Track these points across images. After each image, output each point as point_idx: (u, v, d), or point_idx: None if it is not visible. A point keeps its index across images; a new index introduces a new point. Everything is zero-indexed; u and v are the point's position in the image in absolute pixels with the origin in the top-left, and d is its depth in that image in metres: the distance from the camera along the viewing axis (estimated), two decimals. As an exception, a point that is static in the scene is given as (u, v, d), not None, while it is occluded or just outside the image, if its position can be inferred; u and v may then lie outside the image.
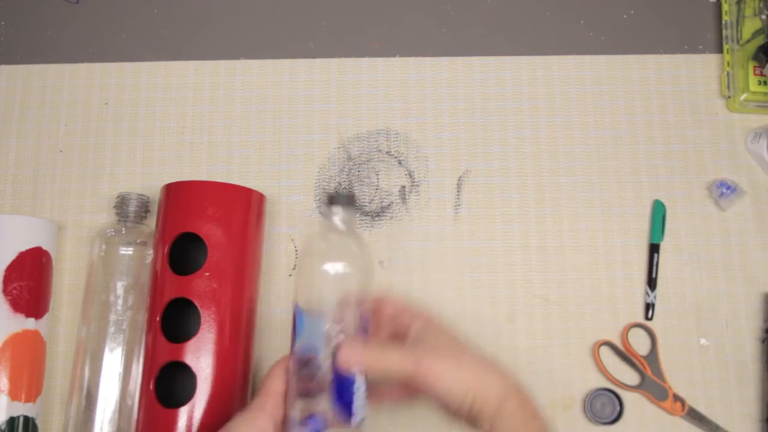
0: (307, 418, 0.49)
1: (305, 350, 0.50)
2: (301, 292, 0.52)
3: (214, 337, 0.57)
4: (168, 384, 0.57)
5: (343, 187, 0.58)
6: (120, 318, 0.61)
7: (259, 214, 0.63)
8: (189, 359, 0.56)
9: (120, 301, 0.61)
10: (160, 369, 0.57)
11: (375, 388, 0.52)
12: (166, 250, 0.59)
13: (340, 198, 0.51)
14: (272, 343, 0.65)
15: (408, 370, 0.48)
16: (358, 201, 0.56)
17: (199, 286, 0.58)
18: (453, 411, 0.49)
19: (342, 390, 0.49)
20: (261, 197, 0.64)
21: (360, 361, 0.49)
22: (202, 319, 0.57)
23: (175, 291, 0.58)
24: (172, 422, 0.56)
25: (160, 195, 0.62)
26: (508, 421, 0.48)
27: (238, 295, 0.59)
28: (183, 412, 0.56)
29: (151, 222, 0.65)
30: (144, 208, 0.64)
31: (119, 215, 0.63)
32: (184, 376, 0.56)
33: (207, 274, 0.58)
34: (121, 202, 0.63)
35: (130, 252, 0.62)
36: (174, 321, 0.58)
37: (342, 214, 0.51)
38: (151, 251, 0.62)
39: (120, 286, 0.62)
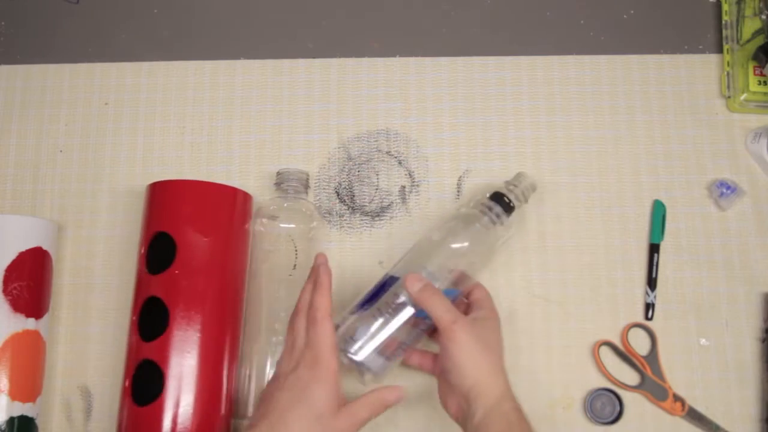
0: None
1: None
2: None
3: (184, 334, 0.57)
4: (143, 382, 0.58)
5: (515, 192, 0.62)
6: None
7: (244, 214, 0.63)
8: (158, 357, 0.57)
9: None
10: (135, 367, 0.58)
11: (408, 348, 0.59)
12: (143, 249, 0.60)
13: (501, 201, 0.61)
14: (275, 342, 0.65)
15: (442, 323, 0.54)
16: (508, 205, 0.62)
17: (168, 285, 0.58)
18: (452, 385, 0.55)
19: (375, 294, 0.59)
20: (245, 197, 0.64)
21: (416, 288, 0.55)
22: (171, 317, 0.57)
23: (148, 290, 0.59)
24: (141, 420, 0.57)
25: (145, 194, 0.63)
26: (501, 418, 0.52)
27: (214, 293, 0.59)
28: (151, 409, 0.56)
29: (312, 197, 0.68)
30: (303, 183, 0.65)
31: (280, 190, 0.65)
32: (159, 374, 0.57)
33: (176, 272, 0.58)
34: (282, 179, 0.65)
35: (292, 226, 0.64)
36: (149, 320, 0.59)
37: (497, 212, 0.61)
38: (314, 224, 0.65)
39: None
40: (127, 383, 0.58)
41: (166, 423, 0.56)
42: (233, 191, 0.62)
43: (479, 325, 0.57)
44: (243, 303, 0.63)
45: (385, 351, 0.57)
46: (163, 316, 0.57)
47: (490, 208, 0.61)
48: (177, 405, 0.56)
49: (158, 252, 0.59)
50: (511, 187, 0.62)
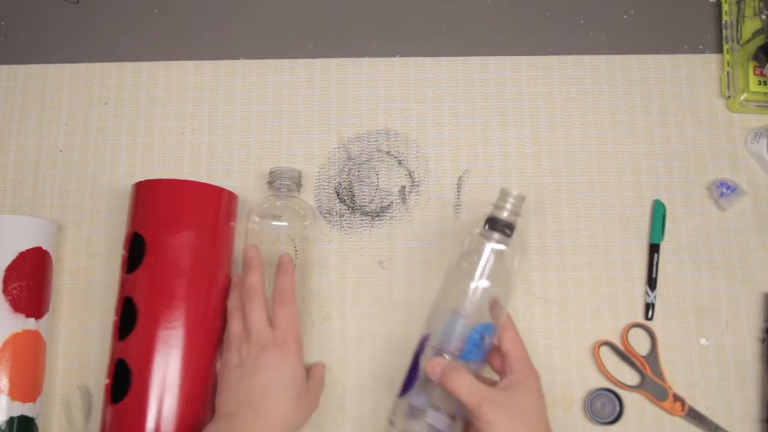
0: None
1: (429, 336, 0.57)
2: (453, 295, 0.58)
3: (152, 333, 0.57)
4: (116, 381, 0.58)
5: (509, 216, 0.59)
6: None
7: (225, 212, 0.63)
8: (127, 355, 0.57)
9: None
10: (114, 366, 0.58)
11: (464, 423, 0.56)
12: (124, 251, 0.61)
13: (499, 227, 0.58)
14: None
15: (470, 407, 0.51)
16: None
17: (137, 284, 0.59)
18: None
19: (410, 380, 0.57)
20: (231, 196, 0.63)
21: (437, 373, 0.53)
22: (139, 316, 0.58)
23: (125, 290, 0.59)
24: (114, 417, 0.57)
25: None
26: None
27: (185, 292, 0.59)
28: (120, 407, 0.57)
29: (305, 195, 0.68)
30: (296, 181, 0.65)
31: (272, 189, 0.65)
32: (128, 373, 0.57)
33: (144, 271, 0.58)
34: (274, 177, 0.65)
35: (285, 224, 0.64)
36: (124, 319, 0.59)
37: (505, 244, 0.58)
38: (308, 222, 0.65)
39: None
40: (107, 382, 0.59)
41: (134, 421, 0.56)
42: (212, 189, 0.62)
43: (512, 394, 0.53)
44: (224, 302, 0.62)
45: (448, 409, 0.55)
46: (135, 316, 0.58)
47: (491, 238, 0.58)
48: (144, 403, 0.56)
49: (133, 253, 0.60)
50: (502, 207, 0.58)
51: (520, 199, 0.58)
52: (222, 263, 0.62)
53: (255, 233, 0.64)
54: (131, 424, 0.56)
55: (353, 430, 0.63)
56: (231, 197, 0.64)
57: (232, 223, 0.64)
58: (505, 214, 0.58)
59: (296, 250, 0.66)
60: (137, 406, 0.56)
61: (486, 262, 0.57)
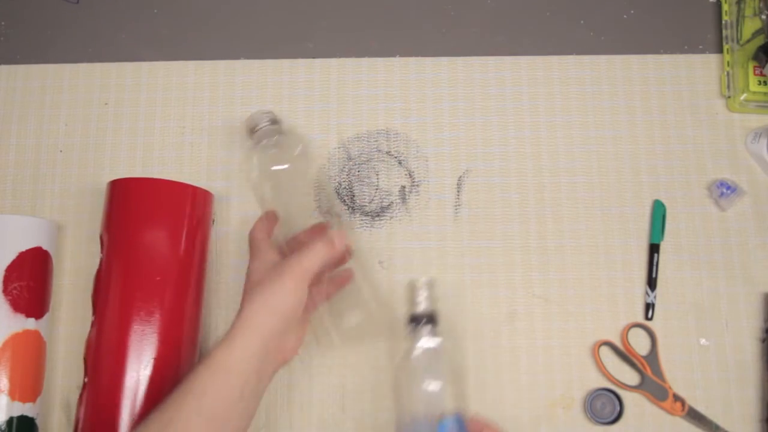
0: None
1: None
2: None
3: (105, 330, 0.58)
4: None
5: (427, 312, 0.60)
6: None
7: (203, 212, 0.63)
8: (86, 352, 0.59)
9: None
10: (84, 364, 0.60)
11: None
12: (101, 252, 0.62)
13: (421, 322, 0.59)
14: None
15: None
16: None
17: (95, 284, 0.61)
18: None
19: None
20: (205, 194, 0.63)
21: None
22: (96, 313, 0.59)
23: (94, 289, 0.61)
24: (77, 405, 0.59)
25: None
26: None
27: (143, 292, 0.59)
28: (80, 399, 0.58)
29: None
30: (272, 119, 0.64)
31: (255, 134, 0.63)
32: (86, 367, 0.59)
33: (101, 270, 0.60)
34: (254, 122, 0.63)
35: (286, 167, 0.63)
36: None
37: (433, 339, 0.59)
38: (300, 147, 0.64)
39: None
40: (85, 380, 0.60)
41: (81, 413, 0.58)
42: (181, 188, 0.62)
43: None
44: (192, 297, 0.61)
45: None
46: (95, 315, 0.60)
47: (421, 335, 0.58)
48: (96, 396, 0.58)
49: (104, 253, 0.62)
50: (418, 302, 0.60)
51: (430, 286, 0.60)
52: (193, 263, 0.62)
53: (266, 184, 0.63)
54: (83, 412, 0.58)
55: (353, 430, 0.63)
56: (205, 195, 0.63)
57: (198, 219, 0.63)
58: (422, 307, 0.59)
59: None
60: (91, 397, 0.58)
61: (424, 360, 0.57)
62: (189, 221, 0.62)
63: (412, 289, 0.61)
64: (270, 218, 0.62)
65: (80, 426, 0.58)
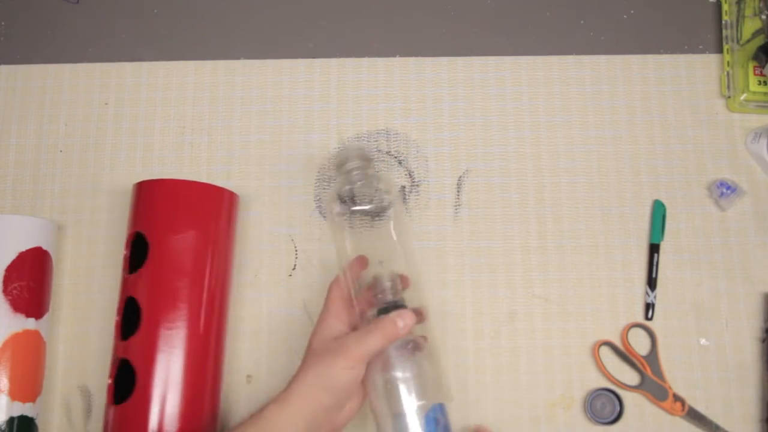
0: None
1: None
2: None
3: (155, 333, 0.57)
4: (120, 381, 0.58)
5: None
6: None
7: (229, 213, 0.63)
8: (131, 356, 0.58)
9: None
10: (116, 367, 0.58)
11: None
12: (126, 250, 0.61)
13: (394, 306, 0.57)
14: (275, 342, 0.65)
15: None
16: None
17: (140, 284, 0.59)
18: None
19: None
20: (231, 196, 0.63)
21: None
22: (142, 316, 0.58)
23: (127, 290, 0.59)
24: (117, 418, 0.57)
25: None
26: None
27: (188, 292, 0.59)
28: (124, 408, 0.57)
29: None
30: (365, 158, 0.61)
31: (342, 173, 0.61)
32: (132, 373, 0.57)
33: (147, 271, 0.59)
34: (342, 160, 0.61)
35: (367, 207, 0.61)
36: (127, 319, 0.59)
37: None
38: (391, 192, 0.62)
39: None
40: (110, 382, 0.59)
41: (138, 421, 0.56)
42: (214, 190, 0.62)
43: None
44: (228, 301, 0.62)
45: None
46: (137, 316, 0.58)
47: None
48: (148, 403, 0.56)
49: (136, 252, 0.60)
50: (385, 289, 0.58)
51: (393, 278, 0.58)
52: (223, 263, 0.62)
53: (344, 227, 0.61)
54: (135, 424, 0.56)
55: (353, 429, 0.63)
56: (232, 197, 0.64)
57: (233, 223, 0.64)
58: (390, 297, 0.57)
59: (296, 250, 0.66)
60: (141, 407, 0.56)
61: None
62: (225, 221, 0.63)
63: (376, 283, 0.58)
64: (361, 263, 0.60)
65: (114, 427, 0.57)
